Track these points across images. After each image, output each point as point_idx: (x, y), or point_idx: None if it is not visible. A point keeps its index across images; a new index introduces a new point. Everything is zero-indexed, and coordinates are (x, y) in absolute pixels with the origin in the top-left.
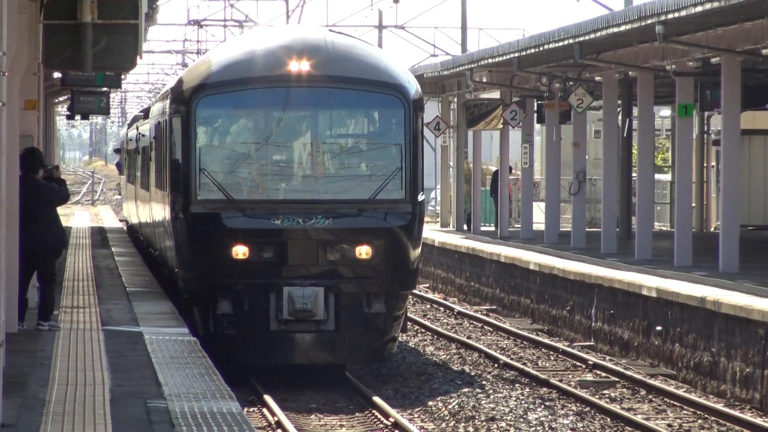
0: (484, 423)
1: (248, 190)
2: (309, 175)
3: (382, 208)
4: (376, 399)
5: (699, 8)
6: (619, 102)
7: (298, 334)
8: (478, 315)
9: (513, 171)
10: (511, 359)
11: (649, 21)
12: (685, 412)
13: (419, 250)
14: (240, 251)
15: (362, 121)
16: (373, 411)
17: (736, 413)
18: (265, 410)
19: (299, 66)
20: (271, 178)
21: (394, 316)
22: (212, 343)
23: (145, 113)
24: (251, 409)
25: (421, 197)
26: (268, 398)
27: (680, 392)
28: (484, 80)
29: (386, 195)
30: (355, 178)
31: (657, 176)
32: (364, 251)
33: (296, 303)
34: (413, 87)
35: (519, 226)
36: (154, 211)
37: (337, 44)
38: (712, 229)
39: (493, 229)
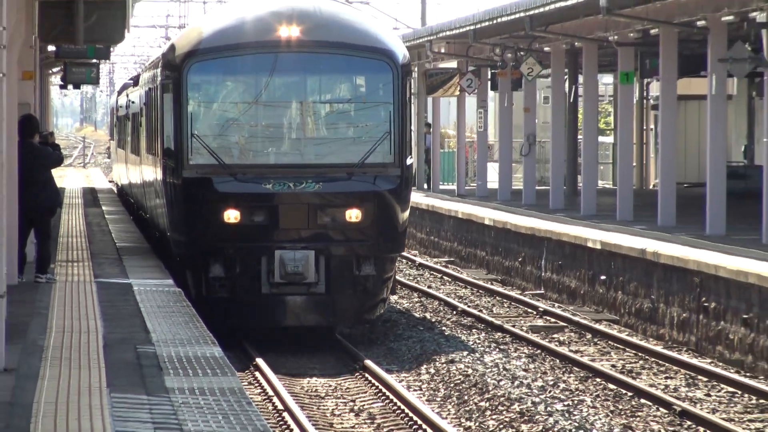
0: (445, 365)
1: (239, 155)
2: (299, 140)
3: (371, 172)
4: (346, 343)
5: None
6: (566, 70)
7: (290, 296)
8: (438, 266)
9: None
10: (468, 307)
11: None
12: (627, 353)
13: (408, 213)
14: (232, 215)
15: (351, 86)
16: (344, 354)
17: (674, 354)
18: (257, 374)
19: (289, 32)
20: (262, 142)
21: (384, 278)
22: (204, 306)
23: (135, 81)
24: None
25: (409, 161)
26: (262, 363)
27: (623, 336)
28: (443, 51)
29: (375, 159)
30: (345, 142)
31: (600, 138)
32: (354, 215)
33: (287, 266)
34: (401, 52)
35: (475, 185)
36: (145, 175)
37: (325, 10)
38: (651, 187)
39: (452, 187)
